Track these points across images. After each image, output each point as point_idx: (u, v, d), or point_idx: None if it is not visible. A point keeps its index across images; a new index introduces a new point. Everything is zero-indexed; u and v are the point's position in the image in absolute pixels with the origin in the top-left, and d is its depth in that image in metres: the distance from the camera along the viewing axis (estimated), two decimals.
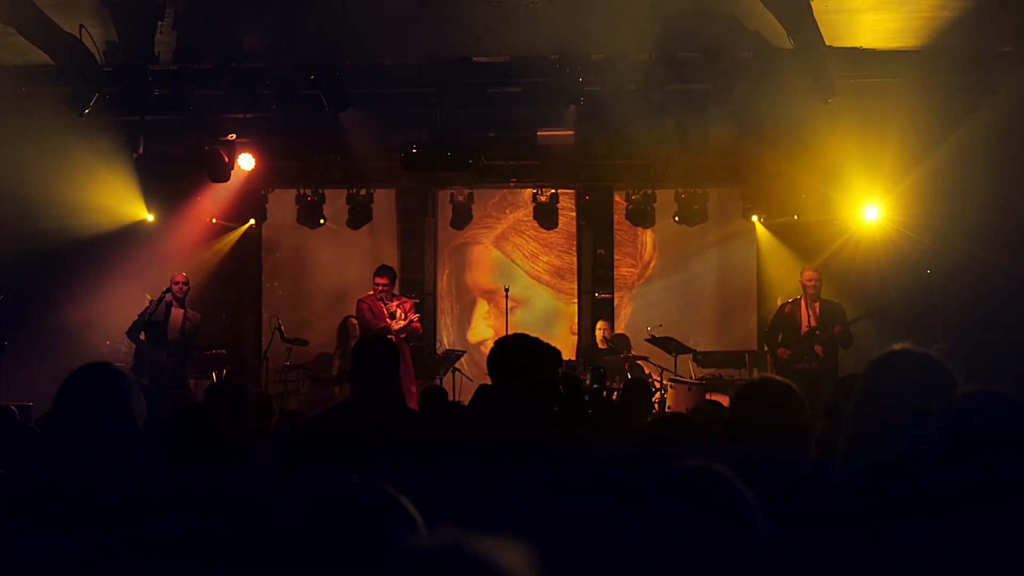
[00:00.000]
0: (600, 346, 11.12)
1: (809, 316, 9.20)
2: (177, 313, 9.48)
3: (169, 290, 9.39)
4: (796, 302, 9.39)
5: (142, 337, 9.34)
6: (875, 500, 2.14)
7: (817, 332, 9.12)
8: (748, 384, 3.00)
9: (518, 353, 3.41)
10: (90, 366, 2.75)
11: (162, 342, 9.24)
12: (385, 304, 9.43)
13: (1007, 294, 9.23)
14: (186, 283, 9.53)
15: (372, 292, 9.62)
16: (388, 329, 9.22)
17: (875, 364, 2.39)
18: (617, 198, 12.27)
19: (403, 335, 9.36)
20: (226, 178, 10.44)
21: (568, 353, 12.01)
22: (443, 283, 12.63)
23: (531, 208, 12.06)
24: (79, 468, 2.53)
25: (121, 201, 10.96)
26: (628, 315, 12.44)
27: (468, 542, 1.23)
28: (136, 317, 9.57)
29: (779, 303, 9.83)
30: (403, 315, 9.42)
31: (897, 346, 2.39)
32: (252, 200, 11.97)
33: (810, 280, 9.30)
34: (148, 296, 9.57)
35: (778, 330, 9.50)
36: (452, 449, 4.02)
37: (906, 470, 2.11)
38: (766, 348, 10.22)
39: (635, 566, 1.76)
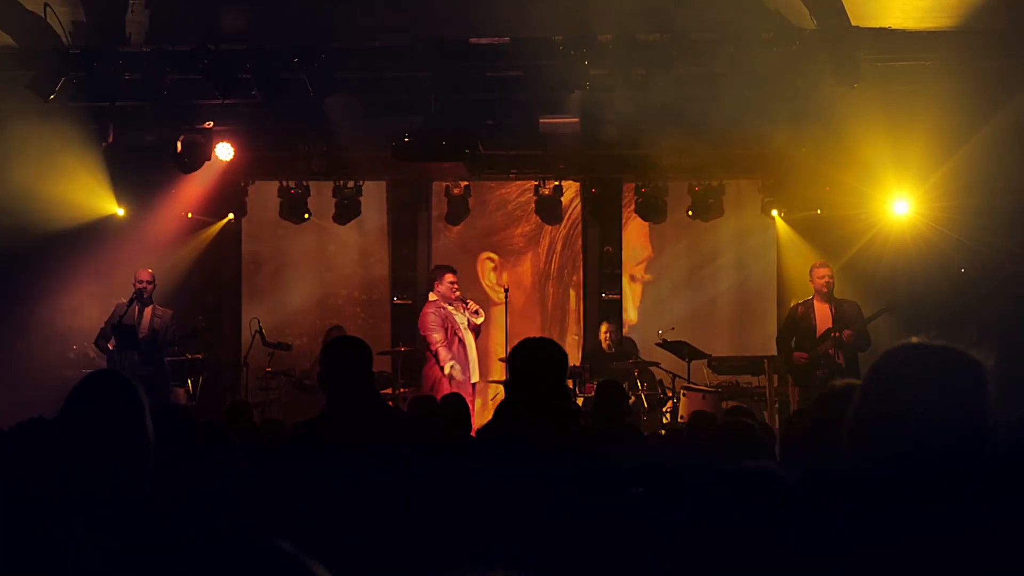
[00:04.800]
0: (605, 350, 11.12)
1: (831, 314, 9.24)
2: (146, 312, 9.49)
3: (139, 292, 9.39)
4: (809, 302, 9.43)
5: (111, 346, 9.34)
6: (878, 511, 2.04)
7: (834, 333, 9.15)
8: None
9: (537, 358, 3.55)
10: (101, 373, 2.83)
11: (133, 344, 9.24)
12: (465, 306, 9.42)
13: None
14: (151, 282, 9.52)
15: (437, 299, 9.46)
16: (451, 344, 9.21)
17: (882, 360, 2.20)
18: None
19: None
20: (198, 167, 10.44)
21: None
22: None
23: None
24: (88, 477, 2.59)
25: (89, 194, 10.95)
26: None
27: None
28: (103, 325, 9.56)
29: (791, 304, 9.86)
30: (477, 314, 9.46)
31: (913, 339, 2.20)
32: (231, 193, 11.97)
33: (822, 277, 9.31)
34: (121, 301, 9.56)
35: (791, 334, 9.53)
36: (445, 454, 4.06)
37: (916, 479, 2.06)
38: (780, 352, 10.18)
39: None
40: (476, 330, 9.47)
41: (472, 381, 9.38)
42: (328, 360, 3.83)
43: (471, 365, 9.38)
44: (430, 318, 9.27)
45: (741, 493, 1.87)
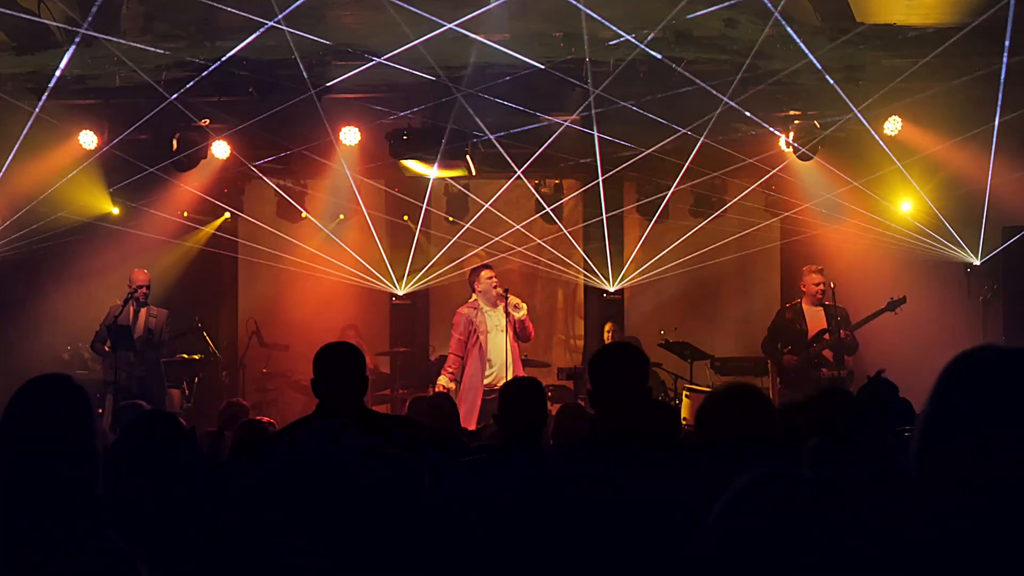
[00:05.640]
0: None
1: (824, 317, 9.28)
2: (141, 313, 9.50)
3: (133, 293, 9.37)
4: (797, 306, 9.52)
5: (107, 348, 9.32)
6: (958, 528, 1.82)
7: (827, 336, 9.19)
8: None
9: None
10: (45, 377, 2.68)
11: (128, 345, 9.23)
12: (506, 300, 9.20)
13: None
14: (147, 284, 9.51)
15: (475, 299, 9.34)
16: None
17: (960, 364, 1.95)
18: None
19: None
20: (194, 166, 10.41)
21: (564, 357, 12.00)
22: None
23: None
24: (27, 491, 2.48)
25: (84, 193, 10.93)
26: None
27: None
28: (98, 328, 9.53)
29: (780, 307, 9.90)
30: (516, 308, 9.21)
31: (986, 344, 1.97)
32: (228, 192, 11.94)
33: (818, 284, 9.37)
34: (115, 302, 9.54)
35: (778, 337, 9.56)
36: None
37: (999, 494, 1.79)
38: (767, 356, 10.14)
39: None
40: (519, 326, 9.17)
41: (488, 383, 9.18)
42: (320, 364, 3.83)
43: (487, 367, 9.20)
44: (456, 318, 9.39)
45: (768, 499, 1.82)
